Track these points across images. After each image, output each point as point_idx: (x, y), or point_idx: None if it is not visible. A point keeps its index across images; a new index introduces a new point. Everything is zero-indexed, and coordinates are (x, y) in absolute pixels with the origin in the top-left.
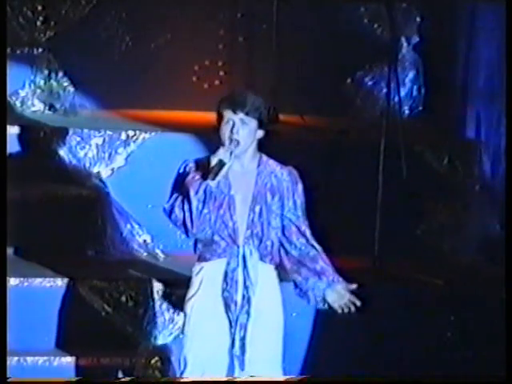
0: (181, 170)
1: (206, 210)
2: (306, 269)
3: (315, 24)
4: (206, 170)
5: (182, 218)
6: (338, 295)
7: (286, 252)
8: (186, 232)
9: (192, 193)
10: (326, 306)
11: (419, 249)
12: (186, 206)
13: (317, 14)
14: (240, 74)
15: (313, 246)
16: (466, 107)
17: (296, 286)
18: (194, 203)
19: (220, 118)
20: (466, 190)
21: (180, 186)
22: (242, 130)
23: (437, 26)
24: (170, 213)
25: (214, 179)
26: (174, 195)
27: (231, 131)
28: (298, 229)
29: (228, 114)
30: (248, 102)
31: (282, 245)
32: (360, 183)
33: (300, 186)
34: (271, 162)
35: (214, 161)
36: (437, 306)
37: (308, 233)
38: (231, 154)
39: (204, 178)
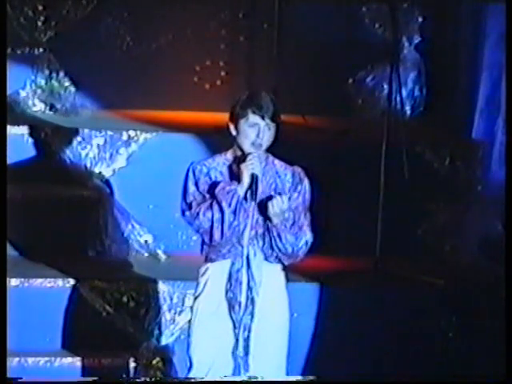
0: (193, 174)
1: (236, 222)
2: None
3: (316, 24)
4: (233, 177)
5: (209, 227)
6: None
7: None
8: (211, 240)
9: (225, 205)
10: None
11: (421, 249)
12: (217, 216)
13: (318, 14)
14: (241, 74)
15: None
16: (467, 107)
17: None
18: (227, 216)
19: (239, 118)
20: (467, 190)
21: (199, 191)
22: (266, 135)
23: (438, 25)
24: (193, 219)
25: (255, 200)
26: (195, 202)
27: (257, 136)
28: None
29: (255, 119)
30: (273, 108)
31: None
32: (361, 183)
33: (302, 187)
34: (277, 161)
35: (246, 173)
36: (438, 307)
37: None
38: (261, 163)
39: (235, 189)
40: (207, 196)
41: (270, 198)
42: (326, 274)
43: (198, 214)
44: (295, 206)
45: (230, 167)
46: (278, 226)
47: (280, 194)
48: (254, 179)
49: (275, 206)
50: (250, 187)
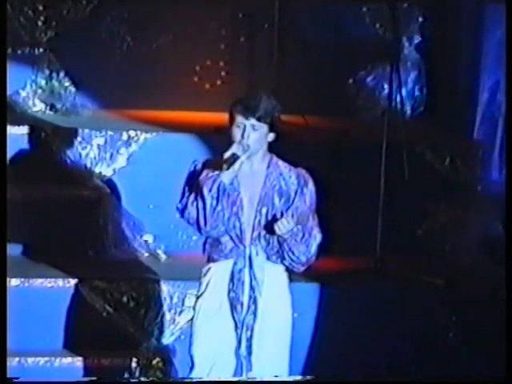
0: (191, 169)
1: (219, 207)
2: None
3: (317, 24)
4: (219, 166)
5: (196, 216)
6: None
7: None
8: (200, 230)
9: (205, 190)
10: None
11: (421, 249)
12: (200, 204)
13: (318, 14)
14: (241, 74)
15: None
16: (467, 107)
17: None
18: (208, 200)
19: (232, 119)
20: (467, 190)
21: (192, 184)
22: (253, 134)
23: (439, 25)
24: (183, 211)
25: (228, 169)
26: (187, 194)
27: (242, 136)
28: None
29: (239, 119)
30: (260, 108)
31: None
32: (362, 183)
33: (308, 190)
34: (281, 163)
35: (227, 154)
36: (438, 307)
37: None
38: (244, 149)
39: (218, 174)
40: (195, 188)
41: (275, 220)
42: (326, 274)
43: (186, 204)
44: (303, 209)
45: (214, 161)
46: (289, 240)
47: (282, 196)
48: (232, 156)
49: (282, 229)
50: (227, 161)
